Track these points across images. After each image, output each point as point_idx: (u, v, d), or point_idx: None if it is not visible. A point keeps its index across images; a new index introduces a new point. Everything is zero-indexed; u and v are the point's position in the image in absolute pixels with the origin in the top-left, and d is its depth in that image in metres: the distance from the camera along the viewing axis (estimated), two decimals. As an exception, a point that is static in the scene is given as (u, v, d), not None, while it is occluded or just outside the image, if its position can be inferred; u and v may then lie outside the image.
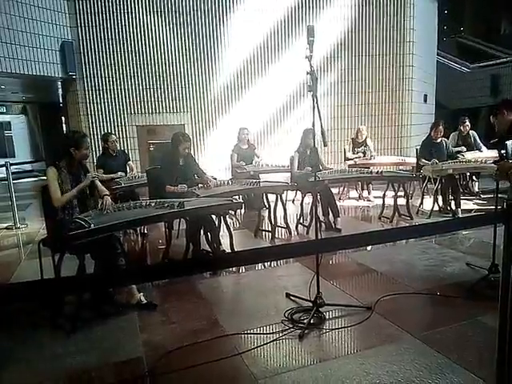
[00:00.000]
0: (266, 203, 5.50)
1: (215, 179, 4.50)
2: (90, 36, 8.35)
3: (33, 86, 11.35)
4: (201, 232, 4.06)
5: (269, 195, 5.16)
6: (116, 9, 8.32)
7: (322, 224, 5.04)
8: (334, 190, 6.09)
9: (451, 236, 4.68)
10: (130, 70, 8.56)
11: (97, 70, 8.48)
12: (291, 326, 2.71)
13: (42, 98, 13.76)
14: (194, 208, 3.43)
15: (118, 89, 8.60)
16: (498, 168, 3.05)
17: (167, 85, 8.73)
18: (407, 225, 5.05)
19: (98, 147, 7.69)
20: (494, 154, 5.78)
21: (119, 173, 5.27)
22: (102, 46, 8.41)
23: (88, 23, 8.30)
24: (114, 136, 5.55)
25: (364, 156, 6.88)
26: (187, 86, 8.80)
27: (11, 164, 6.27)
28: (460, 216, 5.35)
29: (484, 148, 6.67)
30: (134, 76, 8.59)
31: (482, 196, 6.78)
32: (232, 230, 4.23)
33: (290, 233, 5.04)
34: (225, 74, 8.91)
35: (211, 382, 2.22)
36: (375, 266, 3.81)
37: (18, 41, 7.52)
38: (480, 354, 2.28)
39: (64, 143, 3.20)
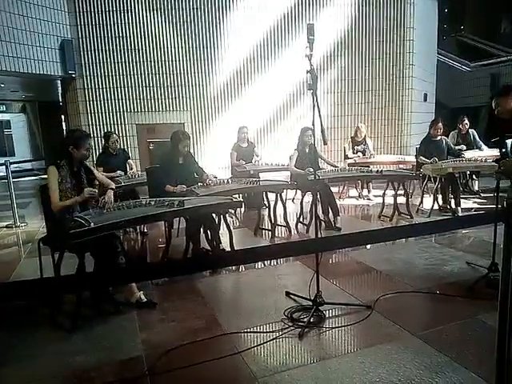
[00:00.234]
0: (265, 202, 5.50)
1: (215, 178, 4.50)
2: (89, 34, 8.34)
3: (32, 85, 11.34)
4: (201, 230, 4.06)
5: (269, 194, 5.16)
6: (116, 7, 8.31)
7: (322, 223, 5.03)
8: (334, 189, 6.09)
9: (451, 235, 4.68)
10: (129, 68, 8.55)
11: (96, 69, 8.47)
12: (291, 324, 2.71)
13: (41, 96, 13.75)
14: (193, 207, 3.43)
15: (117, 87, 8.59)
16: (500, 166, 3.02)
17: (167, 83, 8.73)
18: (407, 223, 5.07)
19: (98, 145, 7.69)
20: (494, 152, 5.78)
21: (118, 172, 5.27)
22: (101, 45, 8.40)
23: (88, 22, 8.29)
24: (115, 135, 5.53)
25: (364, 155, 6.88)
26: (187, 84, 8.79)
27: (11, 163, 6.27)
28: (460, 215, 5.34)
29: (484, 146, 6.66)
30: (133, 74, 8.59)
31: (482, 195, 6.78)
32: (232, 228, 4.22)
33: (290, 231, 5.04)
34: (225, 72, 8.90)
35: (211, 380, 2.22)
36: (375, 264, 3.81)
37: (18, 39, 7.51)
38: (480, 353, 2.28)
39: (64, 141, 3.19)
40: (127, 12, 8.36)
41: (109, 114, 8.66)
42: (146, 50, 8.54)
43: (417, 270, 3.66)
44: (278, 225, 5.06)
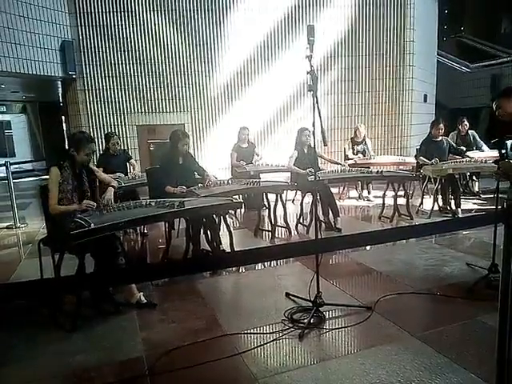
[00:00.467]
0: (265, 203, 5.50)
1: (215, 178, 4.50)
2: (90, 35, 8.35)
3: (33, 86, 11.35)
4: (201, 231, 4.06)
5: (269, 195, 5.16)
6: (116, 8, 8.32)
7: (322, 224, 5.04)
8: (334, 190, 6.09)
9: (451, 236, 4.67)
10: (130, 69, 8.56)
11: (97, 70, 8.48)
12: (291, 325, 2.71)
13: (42, 97, 13.76)
14: (194, 208, 3.43)
15: (118, 88, 8.60)
16: (499, 167, 3.02)
17: (167, 84, 8.74)
18: (407, 225, 5.06)
19: (99, 146, 7.69)
20: (495, 153, 5.77)
21: (118, 174, 5.26)
22: (102, 46, 8.41)
23: (88, 22, 8.31)
24: (115, 137, 5.53)
25: (364, 156, 6.88)
26: (187, 85, 8.80)
27: (11, 163, 6.27)
28: (460, 216, 5.34)
29: (485, 147, 6.66)
30: (134, 75, 8.60)
31: (482, 196, 6.78)
32: (232, 229, 4.23)
33: (290, 232, 5.04)
34: (225, 73, 8.92)
35: (211, 381, 2.22)
36: (375, 265, 3.81)
37: (18, 40, 7.52)
38: (480, 354, 2.28)
39: (67, 143, 3.20)
40: (128, 13, 8.37)
41: (109, 115, 8.67)
42: (146, 50, 8.55)
43: (417, 271, 3.66)
44: (278, 226, 5.06)
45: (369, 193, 7.06)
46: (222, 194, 4.04)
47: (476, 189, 7.01)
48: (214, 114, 9.03)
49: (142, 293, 3.12)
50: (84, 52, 8.38)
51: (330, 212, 5.07)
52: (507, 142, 3.13)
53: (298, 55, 7.84)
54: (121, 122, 8.71)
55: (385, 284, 3.45)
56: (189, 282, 3.56)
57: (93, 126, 8.60)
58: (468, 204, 6.23)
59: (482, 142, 6.76)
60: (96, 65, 8.46)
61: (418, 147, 6.10)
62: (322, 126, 2.72)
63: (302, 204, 5.31)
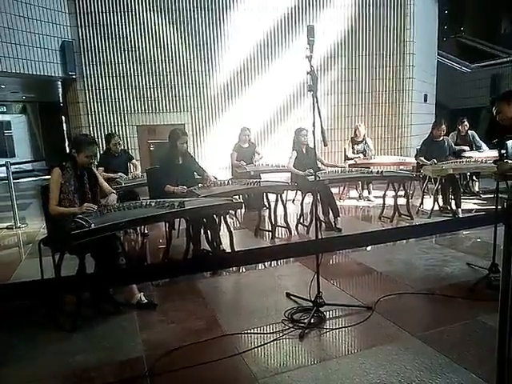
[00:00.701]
0: (266, 203, 5.50)
1: (215, 178, 4.50)
2: (90, 35, 8.35)
3: (33, 86, 11.35)
4: (201, 231, 4.07)
5: (269, 195, 5.17)
6: (116, 8, 8.32)
7: (322, 224, 5.04)
8: (335, 190, 6.09)
9: (451, 236, 4.67)
10: (130, 69, 8.56)
11: (97, 70, 8.48)
12: (291, 325, 2.71)
13: (42, 97, 13.76)
14: (194, 208, 3.43)
15: (118, 88, 8.60)
16: (496, 168, 3.02)
17: (167, 84, 8.74)
18: (407, 225, 5.06)
19: (99, 146, 7.69)
20: (494, 153, 5.78)
21: (119, 173, 5.28)
22: (102, 46, 8.41)
23: (88, 23, 8.31)
24: (117, 137, 5.54)
25: (364, 155, 6.88)
26: (188, 85, 8.80)
27: (11, 164, 6.28)
28: (460, 216, 5.35)
29: (484, 147, 6.67)
30: (134, 75, 8.60)
31: (483, 196, 6.78)
32: (232, 229, 4.23)
33: (290, 232, 5.04)
34: (225, 73, 8.91)
35: (211, 381, 2.22)
36: (375, 265, 3.81)
37: (19, 40, 7.52)
38: (480, 354, 2.28)
39: (70, 144, 3.22)
40: (128, 13, 8.37)
41: (109, 115, 8.67)
42: (146, 50, 8.55)
43: (417, 271, 3.66)
44: (279, 226, 5.06)
45: (369, 193, 7.06)
46: (222, 194, 4.04)
47: (476, 189, 7.02)
48: (214, 114, 9.03)
49: (142, 293, 3.12)
50: (84, 52, 8.38)
51: (331, 212, 5.08)
52: (507, 142, 3.13)
53: (298, 55, 7.84)
54: (121, 122, 8.71)
55: (385, 284, 3.45)
56: (189, 282, 3.56)
57: (93, 126, 8.59)
58: (468, 204, 6.23)
59: (481, 142, 6.77)
60: (96, 65, 8.46)
61: (419, 147, 6.10)
62: (322, 126, 2.72)
63: (302, 204, 5.31)
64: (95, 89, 8.55)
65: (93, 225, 2.75)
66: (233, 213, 6.00)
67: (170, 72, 8.70)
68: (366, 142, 6.97)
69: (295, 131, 5.29)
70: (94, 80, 8.51)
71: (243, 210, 6.23)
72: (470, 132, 6.88)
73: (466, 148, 6.58)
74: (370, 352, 2.38)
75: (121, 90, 8.61)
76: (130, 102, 8.68)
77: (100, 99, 8.60)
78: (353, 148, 6.96)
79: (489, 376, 2.02)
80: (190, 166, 4.32)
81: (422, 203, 5.78)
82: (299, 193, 5.89)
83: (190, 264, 1.71)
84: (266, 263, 4.00)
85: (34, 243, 4.84)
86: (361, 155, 6.88)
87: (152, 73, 8.64)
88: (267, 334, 2.63)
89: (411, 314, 2.93)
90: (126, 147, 8.25)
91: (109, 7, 8.29)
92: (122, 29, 8.41)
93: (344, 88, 9.34)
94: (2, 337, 2.79)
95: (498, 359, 1.71)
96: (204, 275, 3.72)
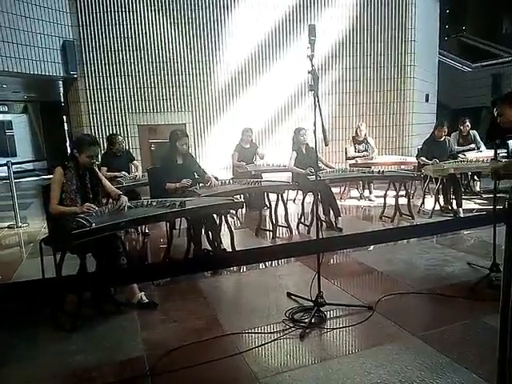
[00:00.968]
0: (267, 202, 5.50)
1: (216, 178, 4.49)
2: (91, 35, 8.36)
3: (34, 85, 11.36)
4: (202, 231, 4.07)
5: (270, 194, 5.16)
6: (117, 8, 8.33)
7: (323, 223, 5.04)
8: (335, 190, 6.08)
9: (452, 236, 4.67)
10: (131, 69, 8.57)
11: (98, 69, 8.50)
12: (292, 325, 2.71)
13: (43, 97, 13.77)
14: (195, 207, 3.43)
15: (119, 88, 8.61)
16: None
17: (169, 84, 8.75)
18: (408, 224, 5.05)
19: (101, 146, 7.69)
20: (492, 153, 5.77)
21: (123, 172, 5.30)
22: (103, 45, 8.42)
23: (89, 22, 8.32)
24: (119, 137, 5.54)
25: (366, 154, 6.87)
26: (189, 85, 8.81)
27: (13, 163, 6.28)
28: (461, 216, 5.34)
29: (483, 147, 6.68)
30: (135, 75, 8.61)
31: (484, 195, 6.77)
32: (233, 229, 4.23)
33: (291, 232, 5.04)
34: (226, 72, 8.92)
35: (212, 381, 2.22)
36: (376, 265, 3.81)
37: (20, 40, 7.53)
38: (481, 354, 2.28)
39: (71, 144, 3.21)
40: (129, 12, 8.38)
41: (110, 115, 8.68)
42: (147, 50, 8.56)
43: (418, 271, 3.66)
44: (279, 225, 5.05)
45: (370, 192, 7.05)
46: (223, 194, 4.04)
47: (477, 188, 7.01)
48: (215, 114, 9.04)
49: (143, 292, 3.12)
50: (85, 52, 8.40)
51: (331, 212, 5.07)
52: (508, 142, 3.13)
53: (299, 54, 7.83)
54: (122, 121, 8.73)
55: (386, 284, 3.44)
56: (190, 281, 3.56)
57: (94, 125, 8.61)
58: (469, 204, 6.22)
59: (481, 142, 6.77)
60: (97, 64, 8.47)
61: (420, 147, 6.09)
62: (323, 126, 2.72)
63: (303, 204, 5.30)
64: (96, 88, 8.56)
65: (94, 224, 2.75)
66: (234, 212, 5.99)
67: (171, 72, 8.71)
68: (367, 142, 6.96)
69: (294, 131, 5.29)
70: (96, 79, 8.52)
71: (244, 210, 6.23)
72: (471, 132, 6.88)
73: (472, 146, 6.61)
74: (371, 352, 2.37)
75: (122, 89, 8.62)
76: (131, 101, 8.69)
77: (101, 99, 8.61)
78: (354, 147, 6.95)
79: (490, 376, 2.01)
80: (190, 166, 4.32)
81: (423, 203, 5.77)
82: (300, 192, 5.88)
83: (191, 264, 1.72)
84: (266, 263, 4.00)
85: (35, 243, 4.85)
86: (364, 153, 6.87)
87: (153, 72, 8.65)
88: (268, 333, 2.63)
89: (412, 313, 2.93)
90: (127, 147, 8.27)
91: (110, 7, 8.30)
92: (124, 28, 8.42)
93: (345, 87, 9.33)
94: (2, 337, 2.79)
95: (499, 359, 1.71)
96: (205, 275, 3.72)
